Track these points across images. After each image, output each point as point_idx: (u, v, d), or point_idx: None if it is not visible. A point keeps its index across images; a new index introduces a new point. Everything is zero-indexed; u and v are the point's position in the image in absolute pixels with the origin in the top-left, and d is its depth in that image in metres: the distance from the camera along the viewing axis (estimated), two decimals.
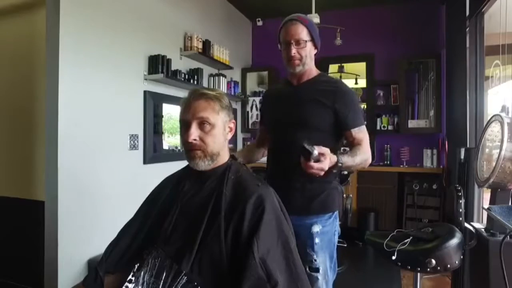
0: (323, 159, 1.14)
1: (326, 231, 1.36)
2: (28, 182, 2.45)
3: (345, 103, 1.36)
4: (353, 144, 1.38)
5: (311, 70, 1.43)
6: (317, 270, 1.34)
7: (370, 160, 1.37)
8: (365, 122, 1.41)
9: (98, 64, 2.32)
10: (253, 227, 0.92)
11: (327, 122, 1.37)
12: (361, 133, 1.38)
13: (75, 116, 2.15)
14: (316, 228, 1.34)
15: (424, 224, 3.35)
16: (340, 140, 1.46)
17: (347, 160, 1.26)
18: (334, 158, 1.20)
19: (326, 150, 1.16)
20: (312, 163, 1.12)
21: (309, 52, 1.37)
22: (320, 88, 1.39)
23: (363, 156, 1.33)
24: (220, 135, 1.05)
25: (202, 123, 1.01)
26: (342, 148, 1.55)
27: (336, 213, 1.42)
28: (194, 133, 1.01)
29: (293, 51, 1.34)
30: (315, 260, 1.34)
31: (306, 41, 1.35)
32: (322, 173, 1.15)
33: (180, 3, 3.20)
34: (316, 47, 1.41)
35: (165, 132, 2.97)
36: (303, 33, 1.35)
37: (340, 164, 1.22)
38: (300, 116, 1.37)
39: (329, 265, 1.38)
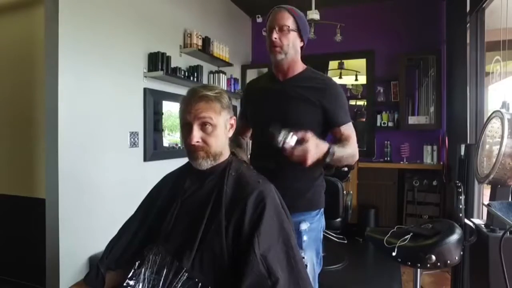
0: (305, 144, 1.07)
1: (313, 228, 1.35)
2: (28, 180, 2.46)
3: (334, 100, 1.32)
4: (341, 140, 1.33)
5: (296, 63, 1.37)
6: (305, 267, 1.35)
7: (357, 157, 1.32)
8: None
9: (98, 62, 2.31)
10: (254, 223, 0.93)
11: (315, 120, 1.32)
12: (349, 129, 1.34)
13: (75, 113, 2.15)
14: (304, 226, 1.33)
15: (424, 220, 3.35)
16: (325, 138, 1.39)
17: (338, 149, 1.19)
18: (324, 145, 1.14)
19: (306, 135, 1.08)
20: (290, 149, 1.06)
21: (292, 41, 1.31)
22: (308, 85, 1.33)
23: (352, 150, 1.29)
24: (222, 134, 1.05)
25: (204, 124, 1.01)
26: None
27: (322, 209, 1.41)
28: (196, 135, 1.00)
29: (275, 35, 1.29)
30: (303, 257, 1.34)
31: (289, 28, 1.29)
32: (308, 160, 1.07)
33: (180, 0, 3.19)
34: (302, 40, 1.35)
35: (165, 130, 2.97)
36: (288, 20, 1.30)
37: (331, 151, 1.15)
38: (286, 115, 1.31)
39: (316, 261, 1.38)
